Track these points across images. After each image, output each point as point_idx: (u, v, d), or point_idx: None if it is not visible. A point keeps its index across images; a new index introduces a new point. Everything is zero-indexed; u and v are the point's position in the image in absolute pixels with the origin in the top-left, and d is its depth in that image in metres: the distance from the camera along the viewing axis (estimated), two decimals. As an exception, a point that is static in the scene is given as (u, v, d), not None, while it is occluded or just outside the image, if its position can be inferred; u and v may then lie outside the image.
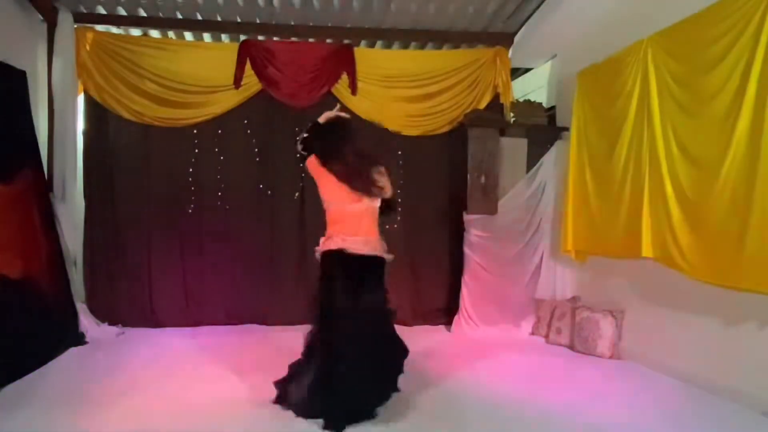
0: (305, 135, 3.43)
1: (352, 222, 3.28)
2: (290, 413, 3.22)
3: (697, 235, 3.58)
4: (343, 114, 3.57)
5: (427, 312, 5.86)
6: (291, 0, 5.33)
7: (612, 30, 4.76)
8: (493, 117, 5.57)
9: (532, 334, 5.36)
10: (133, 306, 5.52)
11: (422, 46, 6.22)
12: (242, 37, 5.73)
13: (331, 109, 3.64)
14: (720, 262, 3.38)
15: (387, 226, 5.42)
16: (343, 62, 5.64)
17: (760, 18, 3.10)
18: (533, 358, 4.60)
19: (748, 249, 3.14)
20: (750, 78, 3.15)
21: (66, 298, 4.86)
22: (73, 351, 4.56)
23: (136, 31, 5.82)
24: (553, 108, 5.86)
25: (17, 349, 3.96)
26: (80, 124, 5.44)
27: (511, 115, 5.65)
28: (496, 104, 5.80)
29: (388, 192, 3.37)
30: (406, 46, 6.24)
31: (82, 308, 5.07)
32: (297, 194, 5.72)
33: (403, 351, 3.41)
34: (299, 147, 3.45)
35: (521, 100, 5.85)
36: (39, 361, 4.12)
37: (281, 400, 3.27)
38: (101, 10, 5.48)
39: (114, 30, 5.63)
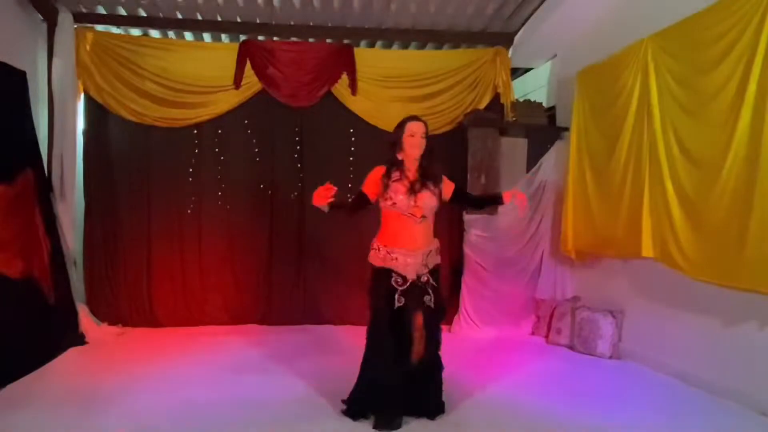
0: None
1: None
2: (289, 413, 3.23)
3: (698, 235, 3.58)
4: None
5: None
6: (291, 0, 5.33)
7: (612, 30, 4.76)
8: (493, 117, 5.57)
9: (532, 334, 5.37)
10: (133, 306, 5.52)
11: (422, 46, 6.22)
12: (242, 37, 5.73)
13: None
14: (720, 262, 3.38)
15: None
16: (343, 62, 5.64)
17: (760, 18, 3.10)
18: (533, 358, 4.59)
19: (749, 249, 3.14)
20: (750, 78, 3.15)
21: (66, 298, 4.86)
22: (73, 351, 4.56)
23: (136, 31, 5.82)
24: (553, 108, 5.86)
25: (17, 349, 3.96)
26: (80, 124, 5.44)
27: (511, 115, 5.65)
28: (496, 104, 5.79)
29: None
30: (406, 46, 6.24)
31: (82, 308, 5.07)
32: (294, 194, 5.72)
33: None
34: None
35: (521, 100, 5.85)
36: (39, 361, 4.12)
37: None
38: (101, 10, 5.47)
39: (114, 30, 5.63)
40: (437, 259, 3.33)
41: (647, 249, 4.01)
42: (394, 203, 3.13)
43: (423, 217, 3.18)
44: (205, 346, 4.80)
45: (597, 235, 4.66)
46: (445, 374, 3.28)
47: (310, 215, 5.65)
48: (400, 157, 3.19)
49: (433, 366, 3.24)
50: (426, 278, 3.22)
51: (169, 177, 5.58)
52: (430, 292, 3.22)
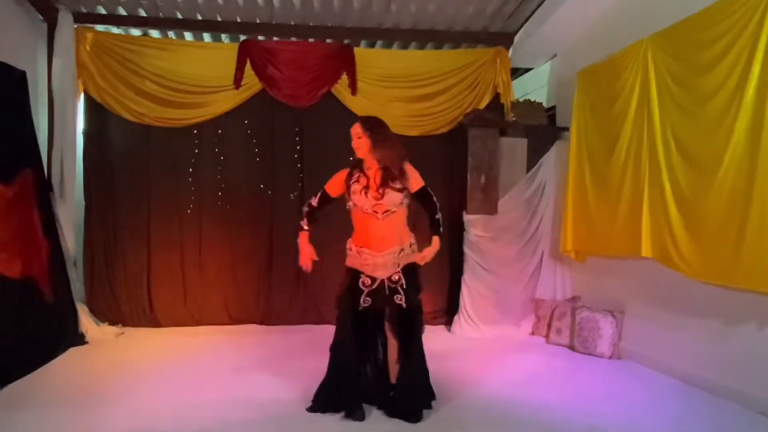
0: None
1: None
2: (289, 413, 3.23)
3: (696, 235, 3.58)
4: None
5: (427, 312, 5.81)
6: (291, 0, 5.33)
7: (612, 30, 4.76)
8: (493, 117, 5.57)
9: (532, 334, 5.37)
10: (133, 306, 5.52)
11: (422, 46, 6.22)
12: (242, 37, 5.73)
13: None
14: (718, 262, 3.38)
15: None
16: (343, 62, 5.64)
17: (759, 18, 3.11)
18: (533, 358, 4.59)
19: (746, 248, 3.15)
20: (749, 78, 3.16)
21: (66, 298, 4.86)
22: (73, 351, 4.57)
23: (136, 31, 5.82)
24: (553, 108, 5.86)
25: (17, 349, 3.97)
26: (80, 124, 5.44)
27: (511, 115, 5.65)
28: (496, 104, 5.79)
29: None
30: (406, 46, 6.24)
31: (82, 308, 5.07)
32: (294, 194, 5.73)
33: None
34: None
35: (521, 100, 5.85)
36: (39, 361, 4.12)
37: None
38: (101, 10, 5.47)
39: (114, 30, 5.63)
40: (412, 257, 3.28)
41: (647, 249, 4.01)
42: (355, 204, 3.24)
43: (386, 212, 3.20)
44: (205, 346, 4.81)
45: (596, 235, 4.66)
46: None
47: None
48: (359, 157, 3.30)
49: (413, 369, 3.22)
50: (398, 277, 3.22)
51: (169, 177, 5.58)
52: (401, 291, 3.21)
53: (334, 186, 3.37)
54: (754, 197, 3.11)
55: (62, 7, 5.16)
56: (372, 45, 6.24)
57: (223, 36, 5.97)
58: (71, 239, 5.11)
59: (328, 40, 5.88)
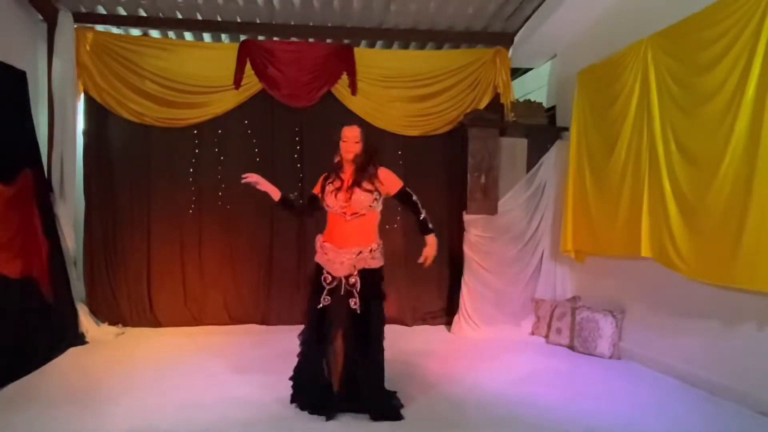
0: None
1: None
2: (290, 413, 3.23)
3: (695, 235, 3.58)
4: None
5: (427, 312, 5.86)
6: (291, 0, 5.33)
7: (612, 30, 4.76)
8: (493, 117, 5.57)
9: (532, 334, 5.36)
10: (133, 306, 5.52)
11: (422, 46, 6.22)
12: (242, 37, 5.73)
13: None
14: (717, 262, 3.38)
15: (387, 226, 5.43)
16: (343, 62, 5.64)
17: (760, 18, 3.11)
18: (533, 358, 4.59)
19: (745, 248, 3.15)
20: (749, 78, 3.16)
21: (66, 298, 4.86)
22: (73, 351, 4.57)
23: (136, 31, 5.82)
24: (553, 108, 5.86)
25: (17, 349, 3.97)
26: (80, 124, 5.44)
27: (511, 115, 5.65)
28: (496, 104, 5.80)
29: None
30: (406, 46, 6.24)
31: (82, 308, 5.07)
32: (294, 194, 5.72)
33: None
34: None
35: (521, 100, 5.85)
36: (39, 361, 4.12)
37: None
38: (101, 10, 5.48)
39: (114, 30, 5.63)
40: (373, 263, 3.27)
41: (646, 249, 4.02)
42: (327, 204, 3.31)
43: (354, 214, 3.25)
44: (205, 346, 4.80)
45: (596, 235, 4.67)
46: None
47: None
48: (336, 159, 3.37)
49: (370, 372, 3.21)
50: (354, 280, 3.22)
51: (169, 177, 5.58)
52: (356, 295, 3.20)
53: (318, 188, 3.47)
54: (754, 197, 3.11)
55: (62, 7, 5.16)
56: (372, 45, 6.24)
57: (223, 36, 5.98)
58: (71, 239, 5.11)
59: (328, 40, 5.88)
